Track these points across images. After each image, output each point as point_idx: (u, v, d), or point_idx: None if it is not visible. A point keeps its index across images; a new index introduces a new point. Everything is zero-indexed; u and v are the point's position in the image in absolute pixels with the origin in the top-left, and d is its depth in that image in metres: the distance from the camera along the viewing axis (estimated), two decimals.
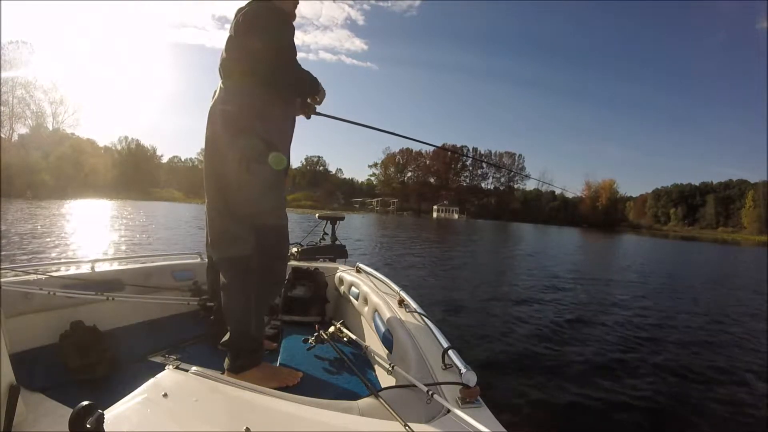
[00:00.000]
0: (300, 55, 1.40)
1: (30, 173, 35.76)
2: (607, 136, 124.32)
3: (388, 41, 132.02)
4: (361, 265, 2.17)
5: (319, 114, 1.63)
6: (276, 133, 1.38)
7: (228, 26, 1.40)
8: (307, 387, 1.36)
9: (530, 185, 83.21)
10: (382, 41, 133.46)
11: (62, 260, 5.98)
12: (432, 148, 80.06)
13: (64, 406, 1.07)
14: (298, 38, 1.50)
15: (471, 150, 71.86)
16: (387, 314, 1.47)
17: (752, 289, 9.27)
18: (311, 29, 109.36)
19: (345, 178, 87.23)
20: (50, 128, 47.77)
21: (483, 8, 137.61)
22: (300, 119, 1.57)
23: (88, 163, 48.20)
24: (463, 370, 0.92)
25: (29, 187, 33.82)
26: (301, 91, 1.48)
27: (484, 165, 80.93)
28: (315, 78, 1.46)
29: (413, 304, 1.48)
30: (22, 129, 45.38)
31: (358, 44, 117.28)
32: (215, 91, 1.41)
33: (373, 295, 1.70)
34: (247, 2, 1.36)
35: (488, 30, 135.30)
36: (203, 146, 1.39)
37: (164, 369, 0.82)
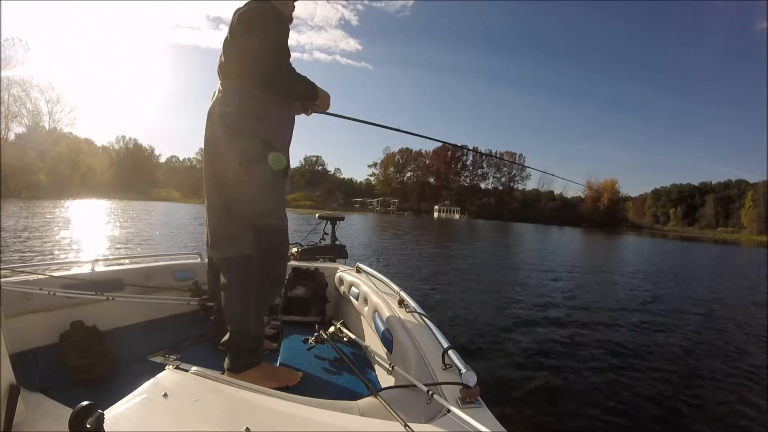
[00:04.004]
0: (295, 56, 1.39)
1: (26, 173, 35.58)
2: (607, 137, 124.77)
3: (382, 41, 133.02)
4: (361, 265, 2.16)
5: (319, 112, 1.62)
6: (275, 134, 1.38)
7: (223, 27, 1.40)
8: (307, 387, 1.35)
9: (530, 185, 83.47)
10: (377, 41, 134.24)
11: (62, 260, 5.97)
12: (431, 149, 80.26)
13: (64, 406, 1.07)
14: (293, 39, 1.48)
15: (471, 149, 71.84)
16: (387, 314, 1.46)
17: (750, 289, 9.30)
18: (305, 29, 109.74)
19: (344, 178, 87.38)
20: (47, 127, 47.61)
21: (478, 8, 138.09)
22: (299, 118, 1.57)
23: (85, 163, 48.00)
24: (463, 370, 0.92)
25: (25, 187, 33.64)
26: (298, 95, 1.46)
27: (484, 165, 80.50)
28: (312, 82, 1.43)
29: (413, 304, 1.48)
30: (18, 128, 45.20)
31: (352, 44, 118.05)
32: (214, 93, 1.41)
33: (373, 295, 1.70)
34: (244, 3, 1.36)
35: (484, 29, 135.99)
36: (202, 147, 1.40)
37: (164, 369, 0.82)
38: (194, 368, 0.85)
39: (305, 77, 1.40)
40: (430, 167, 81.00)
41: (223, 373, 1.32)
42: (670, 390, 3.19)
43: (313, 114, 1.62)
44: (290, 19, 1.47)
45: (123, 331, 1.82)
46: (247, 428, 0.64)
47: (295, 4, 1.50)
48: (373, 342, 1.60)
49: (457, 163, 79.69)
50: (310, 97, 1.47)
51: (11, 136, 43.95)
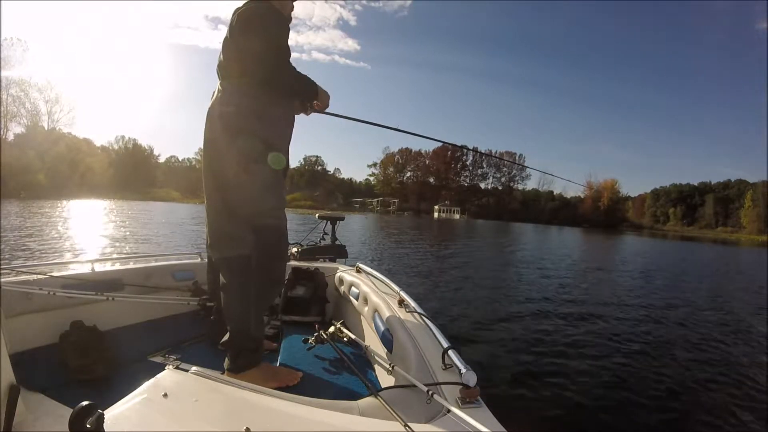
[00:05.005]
0: (293, 56, 1.38)
1: (25, 173, 35.43)
2: (606, 137, 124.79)
3: (381, 41, 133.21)
4: (361, 265, 2.16)
5: (318, 111, 1.61)
6: (275, 133, 1.38)
7: (222, 27, 1.40)
8: (307, 387, 1.36)
9: (530, 185, 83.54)
10: (375, 41, 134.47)
11: (62, 260, 5.97)
12: (431, 149, 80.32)
13: (64, 406, 1.07)
14: (291, 38, 1.49)
15: (471, 149, 71.92)
16: (387, 314, 1.46)
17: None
18: (304, 29, 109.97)
19: (343, 178, 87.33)
20: (46, 127, 47.39)
21: (477, 8, 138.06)
22: (299, 118, 1.57)
23: (85, 163, 47.91)
24: (463, 370, 0.92)
25: (24, 188, 33.50)
26: (297, 93, 1.46)
27: (484, 165, 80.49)
28: (313, 81, 1.43)
29: (413, 304, 1.48)
30: (17, 128, 44.92)
31: (350, 44, 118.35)
32: (214, 92, 1.41)
33: (373, 295, 1.70)
34: (243, 2, 1.36)
35: (483, 30, 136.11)
36: (201, 146, 1.40)
37: (164, 369, 0.82)
38: (194, 368, 0.85)
39: (305, 76, 1.40)
40: (429, 167, 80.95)
41: (223, 373, 1.32)
42: (671, 389, 3.19)
43: (313, 114, 1.61)
44: (289, 19, 1.47)
45: (123, 331, 1.82)
46: (247, 428, 0.64)
47: (294, 3, 1.50)
48: (373, 342, 1.59)
49: (457, 163, 79.69)
50: (310, 96, 1.47)
51: (10, 136, 43.80)
